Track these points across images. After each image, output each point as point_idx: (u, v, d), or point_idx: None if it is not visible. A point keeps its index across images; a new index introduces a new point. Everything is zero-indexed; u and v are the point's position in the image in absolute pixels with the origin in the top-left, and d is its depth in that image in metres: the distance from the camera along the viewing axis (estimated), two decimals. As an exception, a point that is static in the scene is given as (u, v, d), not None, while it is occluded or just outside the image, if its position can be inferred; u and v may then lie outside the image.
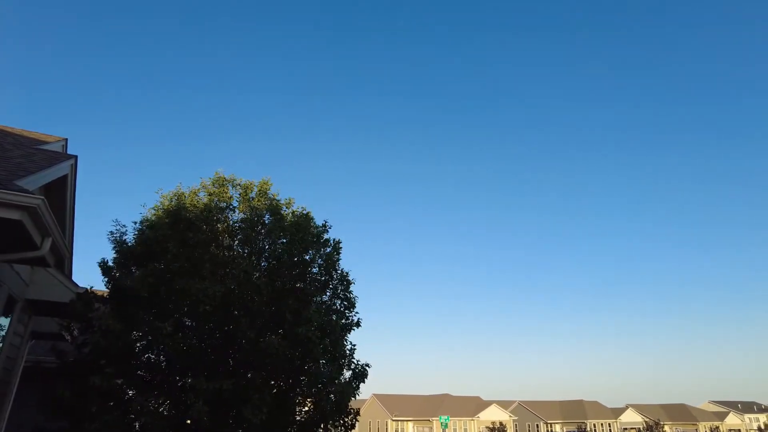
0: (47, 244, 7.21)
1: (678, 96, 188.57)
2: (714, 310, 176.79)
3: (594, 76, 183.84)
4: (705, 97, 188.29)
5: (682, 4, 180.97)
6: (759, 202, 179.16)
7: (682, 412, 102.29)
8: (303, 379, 13.28)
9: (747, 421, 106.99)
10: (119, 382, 11.04)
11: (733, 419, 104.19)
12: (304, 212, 14.90)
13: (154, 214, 13.59)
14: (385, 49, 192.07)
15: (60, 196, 10.43)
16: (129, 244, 13.20)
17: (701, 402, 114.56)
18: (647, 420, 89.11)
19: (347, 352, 14.34)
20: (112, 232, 13.26)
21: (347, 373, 14.23)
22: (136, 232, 13.44)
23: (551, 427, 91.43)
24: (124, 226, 13.49)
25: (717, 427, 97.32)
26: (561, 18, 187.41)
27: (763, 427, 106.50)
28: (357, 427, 14.52)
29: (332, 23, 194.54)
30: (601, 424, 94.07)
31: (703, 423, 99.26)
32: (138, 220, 13.77)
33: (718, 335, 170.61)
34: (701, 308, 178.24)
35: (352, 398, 13.87)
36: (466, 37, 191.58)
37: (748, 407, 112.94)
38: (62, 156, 10.31)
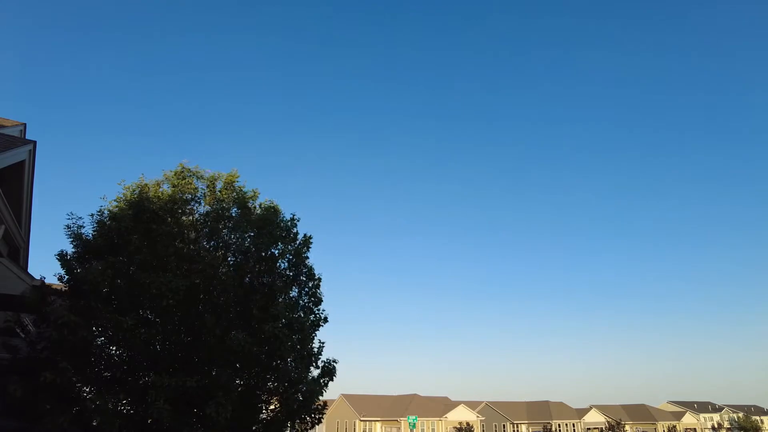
0: (-1, 231, 6.85)
1: (677, 95, 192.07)
2: (675, 313, 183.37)
3: (593, 78, 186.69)
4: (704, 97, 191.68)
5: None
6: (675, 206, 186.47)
7: (642, 412, 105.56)
8: (270, 377, 13.04)
9: (702, 420, 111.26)
10: (75, 379, 10.59)
11: (689, 419, 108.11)
12: (272, 205, 14.57)
13: (116, 206, 13.12)
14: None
15: (17, 183, 9.98)
16: (87, 237, 12.70)
17: (660, 402, 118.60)
18: (609, 420, 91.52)
19: (315, 350, 14.15)
20: (68, 226, 12.72)
21: (315, 371, 14.05)
22: (96, 225, 12.94)
23: (517, 427, 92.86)
24: (80, 218, 12.98)
25: (674, 427, 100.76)
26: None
27: (716, 426, 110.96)
28: (325, 428, 14.36)
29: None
30: (566, 425, 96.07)
31: (662, 422, 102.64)
32: (97, 213, 13.22)
33: (677, 338, 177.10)
34: (662, 311, 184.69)
35: (320, 397, 13.70)
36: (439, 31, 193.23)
37: (703, 407, 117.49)
38: (20, 141, 9.85)
